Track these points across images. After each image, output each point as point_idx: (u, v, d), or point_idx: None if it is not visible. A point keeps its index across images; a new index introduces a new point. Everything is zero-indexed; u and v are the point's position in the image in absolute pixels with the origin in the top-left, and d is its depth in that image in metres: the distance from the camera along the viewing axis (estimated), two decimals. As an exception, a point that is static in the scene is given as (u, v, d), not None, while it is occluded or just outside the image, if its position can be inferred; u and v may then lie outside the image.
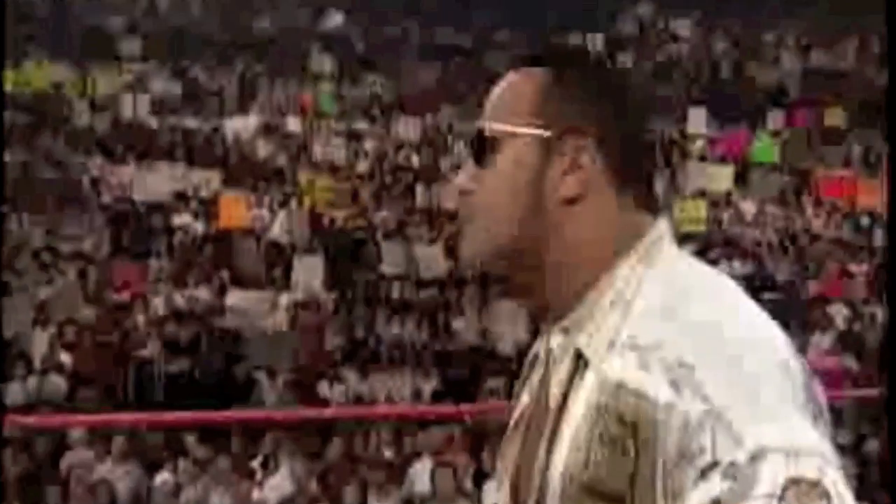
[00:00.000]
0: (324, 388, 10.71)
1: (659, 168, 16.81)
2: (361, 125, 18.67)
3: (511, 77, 1.15)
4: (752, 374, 0.97)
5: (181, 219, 13.82)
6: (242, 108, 18.93)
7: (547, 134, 1.09)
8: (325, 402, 10.52)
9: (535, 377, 1.16)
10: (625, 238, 1.08)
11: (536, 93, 1.11)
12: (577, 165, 1.08)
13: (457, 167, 17.25)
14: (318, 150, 16.96)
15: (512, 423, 1.17)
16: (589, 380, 1.05)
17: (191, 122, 17.60)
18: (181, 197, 14.45)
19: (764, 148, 17.51)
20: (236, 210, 13.59)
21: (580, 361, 1.06)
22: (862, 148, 19.47)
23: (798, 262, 14.38)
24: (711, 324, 1.01)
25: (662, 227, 1.10)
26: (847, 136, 19.79)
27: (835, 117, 20.01)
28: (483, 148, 1.12)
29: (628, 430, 0.99)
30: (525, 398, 1.17)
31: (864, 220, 16.00)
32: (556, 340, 1.10)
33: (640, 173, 1.12)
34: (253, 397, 10.34)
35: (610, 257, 1.08)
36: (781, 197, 16.27)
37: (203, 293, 11.96)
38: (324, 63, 21.47)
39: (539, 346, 1.19)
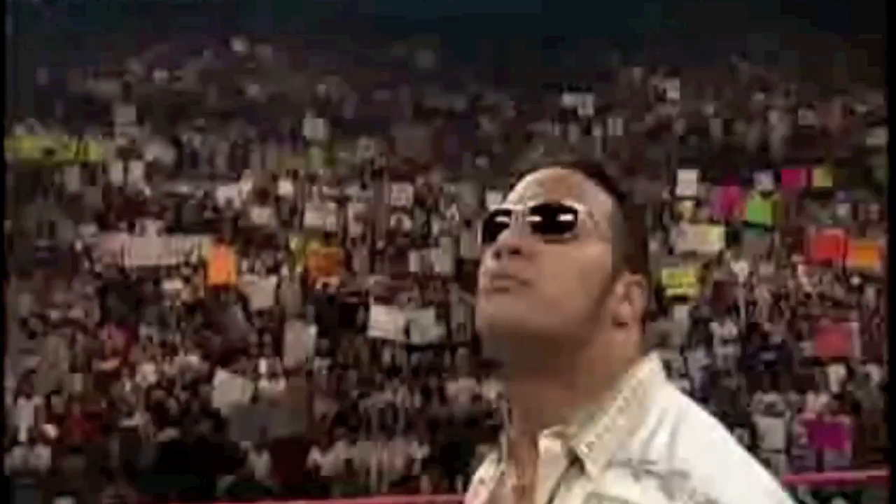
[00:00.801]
0: (315, 455, 10.57)
1: (651, 229, 16.86)
2: (353, 190, 18.73)
3: (576, 178, 1.17)
4: None
5: (172, 285, 13.77)
6: (235, 173, 18.99)
7: (621, 255, 1.15)
8: (315, 470, 10.37)
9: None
10: (631, 365, 1.15)
11: (616, 212, 1.17)
12: (628, 297, 1.15)
13: (448, 231, 17.31)
14: (309, 215, 16.97)
15: None
16: (579, 490, 1.04)
17: (183, 188, 17.64)
18: (172, 264, 14.42)
19: (758, 208, 17.58)
20: (227, 276, 13.57)
21: (572, 468, 1.06)
22: (850, 207, 19.57)
23: (791, 321, 14.34)
24: (736, 465, 1.05)
25: (657, 361, 1.17)
26: (835, 196, 19.91)
27: (823, 177, 20.15)
28: (563, 225, 1.12)
29: None
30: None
31: (855, 280, 16.01)
32: (544, 444, 1.09)
33: (648, 320, 1.19)
34: (241, 467, 10.19)
35: (615, 380, 1.13)
36: (773, 257, 16.30)
37: (193, 360, 11.87)
38: (316, 128, 21.61)
39: (484, 472, 1.20)
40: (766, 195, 18.67)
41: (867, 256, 16.24)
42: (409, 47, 25.98)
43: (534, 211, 1.12)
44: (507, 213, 1.17)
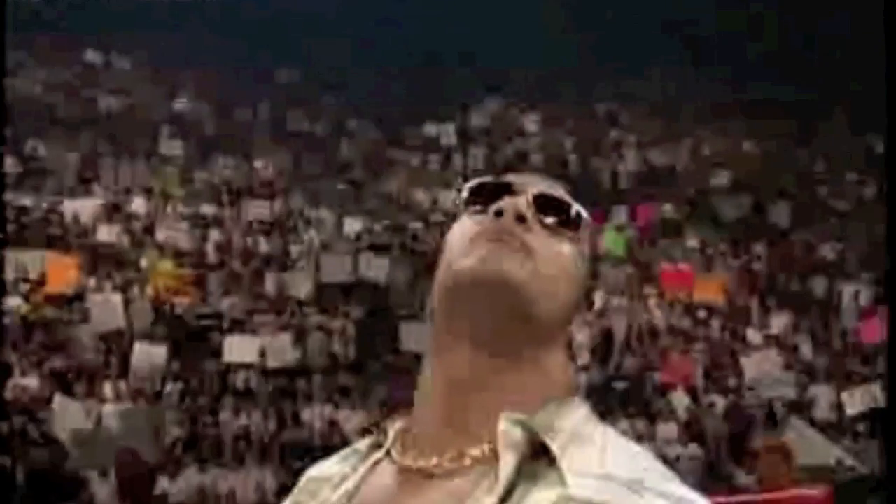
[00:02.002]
0: (163, 482, 10.11)
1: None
2: (209, 209, 18.23)
3: (570, 200, 1.12)
4: None
5: (11, 301, 12.99)
6: (84, 188, 18.18)
7: (587, 269, 1.10)
8: (163, 498, 9.91)
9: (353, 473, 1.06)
10: (574, 396, 1.08)
11: (591, 232, 1.12)
12: (581, 308, 1.10)
13: (306, 254, 17.08)
14: (162, 234, 16.40)
15: None
16: (545, 485, 0.96)
17: (28, 200, 16.73)
18: (11, 279, 13.62)
19: (613, 241, 18.09)
20: (66, 287, 12.91)
21: (534, 461, 0.97)
22: (698, 243, 20.42)
23: (643, 352, 14.76)
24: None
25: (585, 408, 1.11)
26: (684, 232, 20.74)
27: (672, 213, 20.98)
28: (563, 220, 1.07)
29: None
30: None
31: (702, 313, 16.67)
32: (504, 427, 0.99)
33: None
34: (82, 495, 9.64)
35: (565, 391, 1.06)
36: (627, 289, 16.77)
37: (31, 382, 11.19)
38: (172, 144, 20.99)
39: (336, 468, 1.09)
40: (619, 229, 19.25)
41: (713, 291, 16.96)
42: (273, 67, 25.64)
43: (539, 197, 1.06)
44: (507, 186, 1.09)
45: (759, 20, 26.58)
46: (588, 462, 0.98)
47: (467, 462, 0.99)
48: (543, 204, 1.06)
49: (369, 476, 1.04)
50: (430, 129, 24.32)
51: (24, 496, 9.18)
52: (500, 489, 0.95)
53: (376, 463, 1.05)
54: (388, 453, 1.05)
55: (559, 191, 1.10)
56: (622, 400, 13.28)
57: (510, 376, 1.02)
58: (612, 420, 12.67)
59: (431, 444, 1.01)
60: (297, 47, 24.96)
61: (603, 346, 14.55)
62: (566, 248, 1.05)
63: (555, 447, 0.98)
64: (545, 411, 1.01)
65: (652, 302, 16.35)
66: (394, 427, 1.07)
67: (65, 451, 10.18)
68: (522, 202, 1.05)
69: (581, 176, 22.52)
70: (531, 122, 25.45)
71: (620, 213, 20.11)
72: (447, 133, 24.31)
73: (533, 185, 1.09)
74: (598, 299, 15.74)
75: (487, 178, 1.12)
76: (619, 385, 13.78)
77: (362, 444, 1.10)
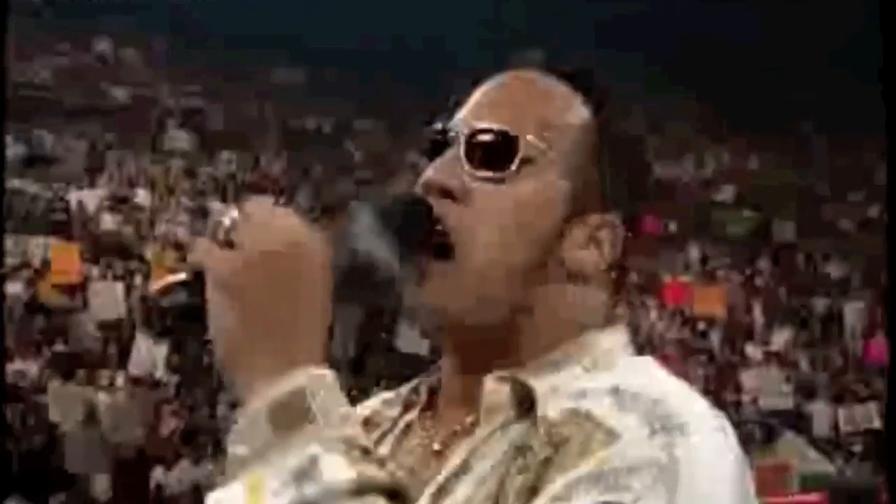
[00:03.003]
0: (158, 473, 10.09)
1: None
2: (213, 203, 18.23)
3: (553, 89, 0.94)
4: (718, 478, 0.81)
5: (14, 287, 12.97)
6: (90, 177, 18.18)
7: (585, 191, 0.91)
8: (158, 490, 9.90)
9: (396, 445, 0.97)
10: (597, 330, 0.93)
11: (585, 137, 0.92)
12: (595, 240, 0.92)
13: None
14: (165, 227, 16.40)
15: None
16: (518, 427, 0.87)
17: (32, 188, 16.73)
18: (15, 264, 13.60)
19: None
20: (69, 277, 12.88)
21: (517, 422, 0.88)
22: (700, 256, 20.44)
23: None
24: (711, 414, 0.85)
25: (623, 336, 0.95)
26: (687, 245, 20.76)
27: (676, 225, 21.01)
28: (501, 157, 0.89)
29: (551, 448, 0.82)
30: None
31: (702, 325, 16.67)
32: (490, 386, 0.89)
33: (626, 273, 0.96)
34: (77, 484, 9.62)
35: (568, 344, 0.91)
36: (628, 299, 16.78)
37: (31, 368, 11.17)
38: (178, 138, 20.99)
39: (371, 411, 1.00)
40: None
41: (713, 304, 16.97)
42: (278, 64, 25.66)
43: (471, 137, 0.90)
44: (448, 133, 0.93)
45: (770, 35, 26.62)
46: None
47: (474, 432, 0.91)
48: (477, 146, 0.90)
49: (400, 443, 0.97)
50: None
51: (18, 483, 9.16)
52: (450, 468, 0.87)
53: (408, 426, 0.97)
54: (419, 416, 0.98)
55: (506, 106, 0.91)
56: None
57: (506, 358, 0.91)
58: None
59: (448, 418, 0.95)
60: (304, 43, 24.99)
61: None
62: (506, 191, 0.89)
63: (539, 398, 0.86)
64: (538, 362, 0.89)
65: (652, 313, 16.36)
66: (425, 387, 0.99)
67: (60, 438, 10.15)
68: (446, 166, 0.89)
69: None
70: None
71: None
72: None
73: (475, 118, 0.92)
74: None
75: (438, 126, 0.95)
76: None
77: (404, 391, 1.01)
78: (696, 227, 21.71)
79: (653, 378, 0.88)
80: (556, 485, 0.79)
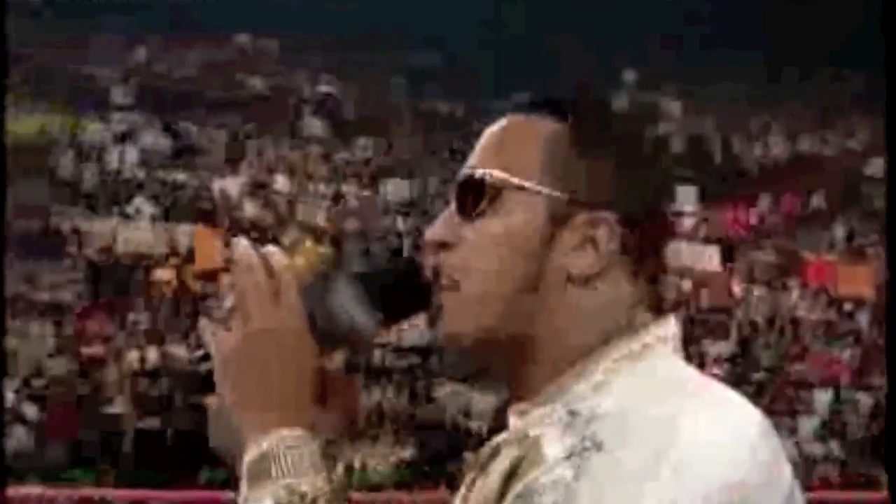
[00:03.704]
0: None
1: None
2: (349, 188, 18.65)
3: (515, 122, 1.00)
4: (664, 497, 0.82)
5: (161, 273, 13.62)
6: (231, 165, 18.88)
7: (563, 197, 0.94)
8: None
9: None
10: (622, 330, 0.94)
11: (551, 147, 0.96)
12: (591, 241, 0.94)
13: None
14: (304, 212, 16.88)
15: None
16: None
17: (178, 177, 17.50)
18: (163, 252, 14.27)
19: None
20: (212, 263, 13.41)
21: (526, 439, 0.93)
22: (846, 233, 19.59)
23: (783, 344, 14.30)
24: (664, 420, 0.86)
25: (671, 328, 0.95)
26: (831, 221, 19.93)
27: (819, 201, 20.19)
28: (476, 197, 0.96)
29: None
30: (479, 489, 0.99)
31: (848, 306, 16.00)
32: (513, 421, 0.96)
33: (657, 261, 0.97)
34: (226, 461, 10.04)
35: (595, 347, 0.93)
36: (768, 279, 16.27)
37: (180, 350, 11.72)
38: (314, 124, 21.52)
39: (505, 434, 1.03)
40: (761, 218, 18.69)
41: (860, 283, 16.25)
42: (410, 48, 25.92)
43: (459, 188, 0.98)
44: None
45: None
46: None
47: None
48: (458, 196, 0.98)
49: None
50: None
51: (171, 456, 9.64)
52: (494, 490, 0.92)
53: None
54: None
55: (483, 152, 0.98)
56: (759, 393, 12.90)
57: (524, 374, 0.96)
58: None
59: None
60: (435, 29, 25.15)
61: (742, 337, 14.17)
62: (490, 224, 0.95)
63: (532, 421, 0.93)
64: (552, 387, 0.93)
65: (795, 293, 15.81)
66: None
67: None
68: (440, 221, 0.98)
69: (722, 161, 21.93)
70: (671, 106, 24.90)
71: (765, 201, 19.49)
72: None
73: (462, 172, 0.99)
74: (738, 288, 15.33)
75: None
76: (757, 377, 13.40)
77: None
78: (844, 203, 20.82)
79: (641, 394, 0.89)
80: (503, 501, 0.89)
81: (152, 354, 11.50)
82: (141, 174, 17.40)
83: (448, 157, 21.84)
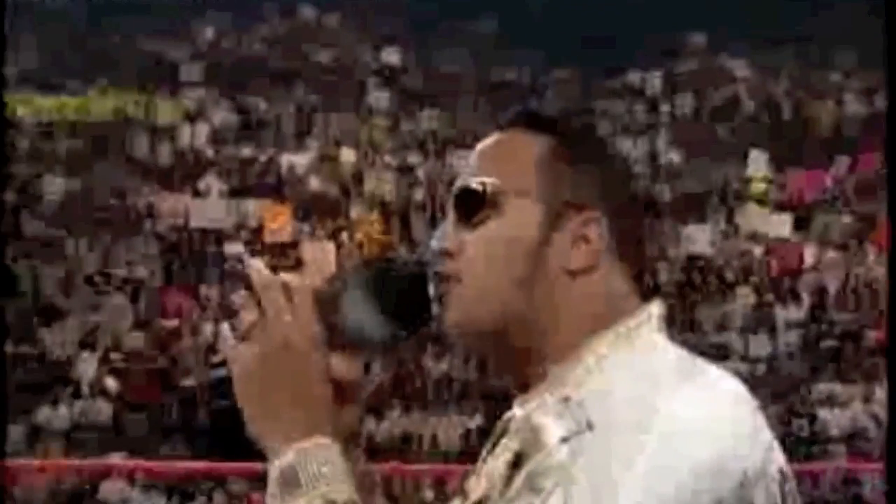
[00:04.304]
0: (370, 423, 10.59)
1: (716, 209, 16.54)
2: (415, 159, 18.69)
3: (507, 137, 1.10)
4: (652, 465, 0.90)
5: (234, 247, 13.87)
6: (299, 139, 19.06)
7: (557, 201, 1.05)
8: (369, 439, 10.39)
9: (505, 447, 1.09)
10: (613, 316, 1.04)
11: (543, 157, 1.07)
12: (583, 238, 1.05)
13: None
14: (370, 184, 16.98)
15: (475, 496, 1.07)
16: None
17: (247, 152, 17.75)
18: (234, 226, 14.53)
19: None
20: (282, 235, 13.62)
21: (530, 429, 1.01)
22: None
23: (859, 309, 13.99)
24: (645, 397, 0.95)
25: (654, 309, 1.06)
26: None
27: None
28: (476, 206, 1.06)
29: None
30: (491, 466, 1.07)
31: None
32: (518, 412, 1.04)
33: (639, 252, 1.09)
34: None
35: (589, 334, 1.03)
36: (844, 243, 15.90)
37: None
38: (380, 97, 21.58)
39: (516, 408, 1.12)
40: (838, 180, 18.22)
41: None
42: (473, 17, 25.77)
43: (455, 199, 1.07)
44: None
45: None
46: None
47: None
48: (461, 201, 1.06)
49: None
50: (634, 77, 23.74)
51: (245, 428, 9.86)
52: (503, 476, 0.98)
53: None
54: None
55: (477, 164, 1.07)
56: (834, 359, 12.67)
57: (525, 365, 1.04)
58: (821, 380, 12.10)
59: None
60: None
61: (815, 302, 13.90)
62: (489, 230, 1.04)
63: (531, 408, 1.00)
64: (548, 378, 1.02)
65: (871, 257, 15.42)
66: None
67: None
68: (441, 230, 1.07)
69: (795, 124, 21.40)
70: (740, 68, 24.34)
71: (842, 163, 18.99)
72: (654, 81, 23.66)
73: (456, 183, 1.08)
74: (810, 253, 15.01)
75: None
76: (830, 343, 13.14)
77: None
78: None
79: (625, 374, 0.98)
80: (510, 487, 0.96)
81: (227, 327, 11.76)
82: (211, 151, 17.70)
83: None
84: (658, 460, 0.90)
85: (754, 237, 14.79)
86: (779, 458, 0.97)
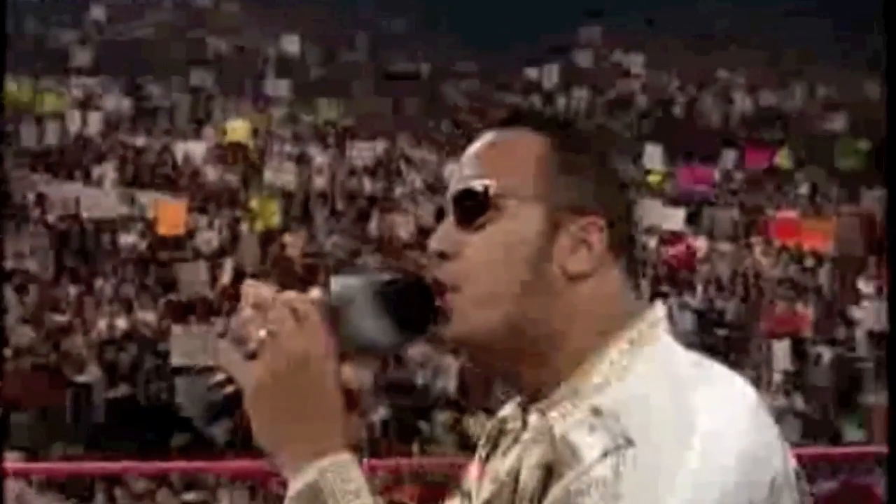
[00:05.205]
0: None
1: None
2: (314, 150, 18.52)
3: (503, 139, 1.07)
4: (695, 482, 0.92)
5: (128, 239, 13.51)
6: (195, 127, 18.67)
7: (558, 205, 1.04)
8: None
9: (509, 447, 1.08)
10: (619, 320, 1.04)
11: (543, 160, 1.05)
12: (584, 242, 1.04)
13: (410, 196, 17.23)
14: (270, 174, 16.76)
15: (484, 497, 1.07)
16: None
17: (141, 140, 17.29)
18: (127, 216, 14.14)
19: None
20: (176, 229, 13.32)
21: (552, 438, 1.00)
22: (809, 188, 19.82)
23: (747, 300, 14.50)
24: (681, 408, 0.95)
25: (660, 312, 1.06)
26: (795, 177, 20.14)
27: (783, 158, 20.36)
28: (476, 208, 1.04)
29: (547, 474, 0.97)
30: (498, 467, 1.07)
31: (810, 261, 16.23)
32: (532, 419, 1.03)
33: (637, 254, 1.10)
34: (197, 427, 10.05)
35: (599, 338, 1.03)
36: (733, 235, 16.45)
37: (149, 316, 11.67)
38: (279, 86, 21.31)
39: (511, 409, 1.11)
40: (726, 174, 18.83)
41: (822, 238, 16.47)
42: (377, 10, 25.67)
43: (455, 200, 1.05)
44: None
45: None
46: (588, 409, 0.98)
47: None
48: (462, 203, 1.04)
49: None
50: (534, 71, 24.06)
51: (142, 424, 9.64)
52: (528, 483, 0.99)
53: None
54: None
55: (477, 165, 1.05)
56: (724, 348, 13.11)
57: (531, 373, 1.04)
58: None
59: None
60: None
61: (707, 294, 14.36)
62: (491, 234, 1.02)
63: (555, 417, 1.00)
64: (566, 385, 1.01)
65: (758, 249, 16.00)
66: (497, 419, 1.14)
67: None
68: (440, 232, 1.05)
69: (686, 119, 22.03)
70: (635, 64, 24.91)
71: (729, 158, 19.63)
72: (551, 74, 24.01)
73: (457, 182, 1.06)
74: (703, 245, 15.49)
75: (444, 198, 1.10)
76: (721, 332, 13.60)
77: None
78: (807, 159, 21.03)
79: (652, 380, 0.98)
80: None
81: (121, 321, 11.44)
82: (103, 138, 17.18)
83: (413, 118, 21.76)
84: (700, 477, 0.91)
85: (649, 230, 15.17)
86: (791, 457, 0.99)
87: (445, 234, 1.04)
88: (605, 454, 0.92)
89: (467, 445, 10.27)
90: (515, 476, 1.02)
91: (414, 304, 1.02)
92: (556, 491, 0.93)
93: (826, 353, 13.50)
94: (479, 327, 1.02)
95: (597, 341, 1.01)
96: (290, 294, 1.01)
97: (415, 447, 9.93)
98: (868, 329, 14.07)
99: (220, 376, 1.02)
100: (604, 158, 1.08)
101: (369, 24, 25.26)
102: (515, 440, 1.07)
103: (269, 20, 24.44)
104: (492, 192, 1.03)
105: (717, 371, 1.00)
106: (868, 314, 14.29)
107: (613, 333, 1.02)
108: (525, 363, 1.03)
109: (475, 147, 1.08)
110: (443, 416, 10.66)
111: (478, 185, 1.03)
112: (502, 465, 1.05)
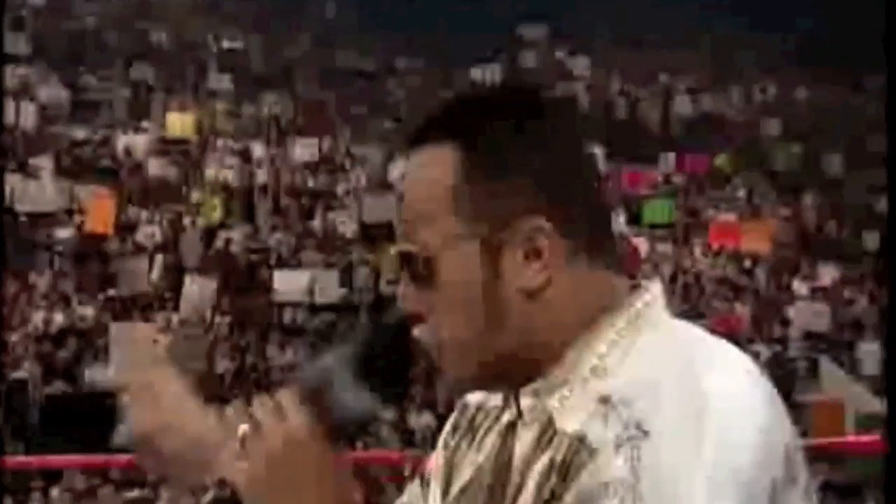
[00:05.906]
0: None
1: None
2: (257, 145, 18.33)
3: (420, 159, 1.00)
4: (711, 476, 0.88)
5: (65, 233, 13.23)
6: (135, 120, 18.34)
7: (485, 227, 0.96)
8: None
9: (484, 435, 1.06)
10: (604, 301, 0.97)
11: (456, 181, 0.97)
12: (534, 251, 0.95)
13: (353, 193, 17.12)
14: (212, 169, 16.55)
15: (460, 484, 1.05)
16: (551, 441, 0.96)
17: (79, 133, 16.92)
18: (65, 210, 13.85)
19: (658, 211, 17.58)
20: (105, 226, 13.05)
21: (551, 426, 0.96)
22: (746, 191, 20.20)
23: (686, 301, 14.72)
24: (692, 391, 0.91)
25: (655, 290, 0.99)
26: (733, 180, 20.51)
27: (722, 161, 20.74)
28: (417, 267, 0.98)
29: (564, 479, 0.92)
30: (473, 456, 1.05)
31: (748, 262, 16.55)
32: (524, 402, 0.99)
33: (607, 231, 1.00)
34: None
35: (588, 322, 0.97)
36: (672, 237, 16.68)
37: (87, 311, 11.45)
38: (221, 80, 21.05)
39: (481, 396, 1.08)
40: (666, 177, 19.08)
41: (759, 240, 16.80)
42: (321, 4, 25.52)
43: (398, 261, 1.01)
44: None
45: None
46: (593, 394, 0.95)
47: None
48: (405, 263, 1.00)
49: (506, 442, 1.05)
50: (477, 71, 24.13)
51: (80, 420, 9.45)
52: (520, 467, 0.98)
53: (512, 424, 1.04)
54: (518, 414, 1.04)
55: (404, 221, 1.01)
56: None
57: (522, 370, 1.00)
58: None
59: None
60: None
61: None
62: (440, 290, 0.98)
63: (553, 403, 0.97)
64: (560, 368, 0.97)
65: (698, 251, 16.26)
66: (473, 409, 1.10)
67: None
68: (403, 291, 1.01)
69: (628, 121, 22.29)
70: (579, 67, 25.14)
71: (668, 161, 19.90)
72: (494, 74, 24.10)
73: (396, 245, 1.03)
74: (644, 246, 15.69)
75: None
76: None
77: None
78: (744, 162, 21.44)
79: (657, 363, 0.93)
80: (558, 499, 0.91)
81: (59, 316, 11.21)
82: (40, 130, 16.79)
83: (357, 114, 21.65)
84: (718, 469, 0.88)
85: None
86: (793, 428, 0.97)
87: (410, 296, 1.00)
88: (618, 445, 0.88)
89: (411, 442, 10.25)
90: (503, 463, 0.99)
91: (391, 367, 1.01)
92: (572, 494, 0.89)
93: (763, 352, 13.78)
94: (467, 374, 1.00)
95: (584, 331, 0.96)
96: (266, 400, 0.98)
97: (358, 444, 9.89)
98: (803, 329, 14.40)
99: (216, 477, 1.02)
100: (530, 147, 0.97)
101: (313, 18, 25.09)
102: (490, 428, 1.05)
103: (213, 13, 24.14)
104: (418, 251, 0.98)
105: (719, 346, 0.96)
106: (802, 314, 14.63)
107: (603, 319, 0.96)
108: (523, 374, 0.99)
109: (402, 185, 1.04)
110: (387, 414, 10.63)
111: (408, 248, 0.99)
112: (481, 451, 1.03)
